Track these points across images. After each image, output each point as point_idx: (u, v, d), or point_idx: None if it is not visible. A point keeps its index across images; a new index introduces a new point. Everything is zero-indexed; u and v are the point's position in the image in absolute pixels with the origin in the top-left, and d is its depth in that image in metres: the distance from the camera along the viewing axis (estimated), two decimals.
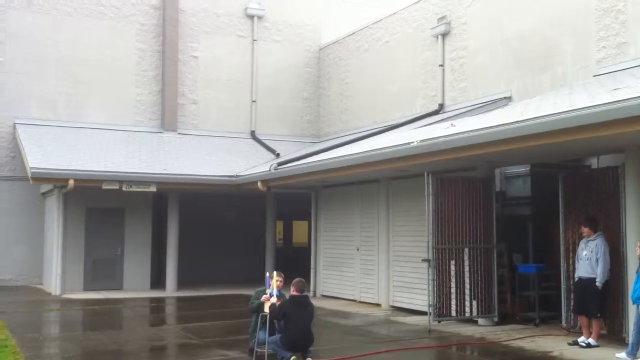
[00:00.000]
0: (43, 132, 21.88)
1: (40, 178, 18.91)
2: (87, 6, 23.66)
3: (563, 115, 9.81)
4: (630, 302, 10.41)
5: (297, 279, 10.24)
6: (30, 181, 19.32)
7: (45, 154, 19.68)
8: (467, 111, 17.09)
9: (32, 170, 18.41)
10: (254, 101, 25.67)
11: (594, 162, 13.29)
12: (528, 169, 14.41)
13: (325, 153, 17.95)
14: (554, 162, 13.35)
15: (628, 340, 10.43)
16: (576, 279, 11.68)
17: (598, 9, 14.63)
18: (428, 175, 13.20)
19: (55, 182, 19.37)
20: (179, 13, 24.65)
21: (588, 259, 11.31)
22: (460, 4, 18.83)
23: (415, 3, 20.81)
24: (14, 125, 22.32)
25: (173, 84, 24.39)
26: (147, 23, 24.46)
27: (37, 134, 21.55)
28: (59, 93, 23.14)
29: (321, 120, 26.34)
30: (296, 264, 20.72)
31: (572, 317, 12.26)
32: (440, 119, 17.55)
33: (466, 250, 13.45)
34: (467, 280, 13.41)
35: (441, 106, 19.27)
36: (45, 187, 21.59)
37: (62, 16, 23.37)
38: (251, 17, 25.89)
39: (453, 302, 13.38)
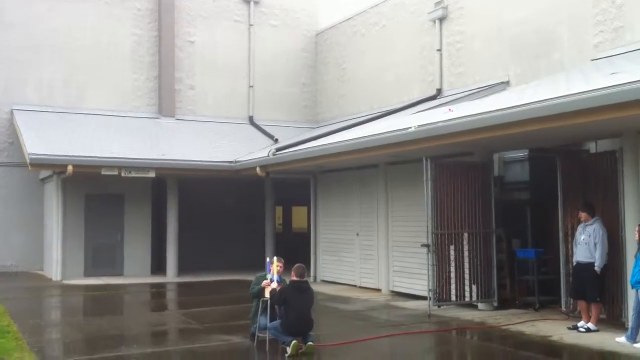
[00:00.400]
0: (41, 118, 21.87)
1: (39, 164, 18.95)
2: None
3: (561, 100, 9.83)
4: (629, 286, 10.48)
5: (297, 265, 10.30)
6: (29, 167, 19.36)
7: (43, 140, 19.68)
8: (465, 96, 17.10)
9: (31, 157, 18.43)
10: (252, 86, 25.65)
11: (592, 147, 13.33)
12: (526, 153, 14.46)
13: (324, 138, 17.97)
14: (552, 146, 13.37)
15: (627, 325, 10.52)
16: (574, 264, 11.75)
17: None
18: (426, 160, 13.23)
19: (54, 168, 19.40)
20: None
21: (586, 244, 11.36)
22: None
23: None
24: (12, 112, 22.30)
25: (170, 69, 24.34)
26: (143, 8, 24.38)
27: (34, 120, 21.54)
28: (56, 79, 23.10)
29: (319, 105, 26.33)
30: (296, 249, 20.79)
31: (571, 302, 12.32)
32: (437, 104, 17.57)
33: (465, 235, 13.50)
34: (466, 265, 13.47)
35: (439, 91, 19.28)
36: (44, 173, 21.62)
37: (57, 2, 23.27)
38: (247, 1, 25.84)
39: (452, 287, 13.45)
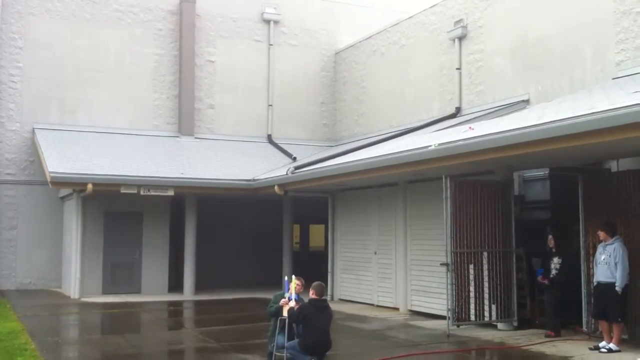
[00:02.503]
0: (62, 136, 22.05)
1: (59, 182, 19.06)
2: (105, 12, 23.85)
3: (582, 119, 9.76)
4: None
5: (316, 283, 10.21)
6: (50, 185, 19.49)
7: (64, 159, 19.83)
8: (485, 115, 17.05)
9: (51, 175, 18.56)
10: (271, 105, 25.74)
11: (613, 165, 13.19)
12: (547, 172, 14.33)
13: (342, 157, 17.95)
14: (573, 165, 13.26)
15: None
16: (594, 284, 11.58)
17: (616, 12, 14.55)
18: (446, 178, 13.15)
19: (74, 186, 19.48)
20: (195, 18, 24.78)
21: (607, 263, 11.19)
22: (477, 7, 18.79)
23: (432, 7, 20.80)
24: (33, 130, 22.50)
25: (190, 88, 24.50)
26: (164, 28, 24.61)
27: (55, 138, 21.72)
28: (78, 98, 23.32)
29: (338, 124, 26.35)
30: (313, 267, 20.72)
31: (592, 322, 12.15)
32: (457, 122, 17.50)
33: (485, 254, 13.37)
34: (486, 284, 13.33)
35: (458, 110, 19.23)
36: (64, 191, 21.74)
37: (80, 22, 23.56)
38: (267, 21, 25.99)
39: (472, 306, 13.30)
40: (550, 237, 12.88)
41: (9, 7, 22.86)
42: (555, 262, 12.72)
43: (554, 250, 12.83)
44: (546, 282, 12.78)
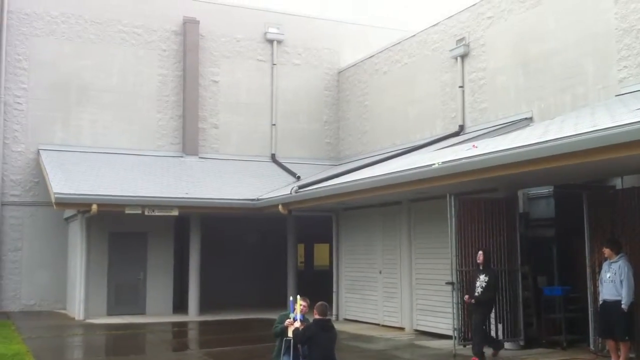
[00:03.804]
0: (66, 157, 22.09)
1: (64, 203, 19.07)
2: (109, 33, 24.00)
3: (586, 136, 9.75)
4: None
5: (319, 303, 10.13)
6: (54, 206, 19.48)
7: (68, 180, 19.86)
8: (488, 132, 17.06)
9: (56, 196, 18.57)
10: (274, 124, 25.81)
11: (618, 183, 13.16)
12: (551, 190, 14.30)
13: (346, 176, 17.96)
14: (578, 182, 13.24)
15: None
16: (600, 302, 11.50)
17: (619, 29, 14.59)
18: (450, 197, 13.13)
19: (79, 207, 19.49)
20: (199, 38, 24.91)
21: (612, 281, 11.11)
22: (479, 25, 18.85)
23: (434, 25, 20.89)
24: (38, 151, 22.56)
25: (194, 108, 24.58)
26: (168, 49, 24.74)
27: (60, 159, 21.77)
28: (82, 119, 23.41)
29: (341, 142, 26.38)
30: (318, 287, 20.62)
31: (599, 341, 12.07)
32: (460, 140, 17.51)
33: None
34: None
35: (461, 127, 19.24)
36: (68, 212, 21.73)
37: (84, 43, 23.69)
38: (271, 41, 26.11)
39: None
40: (480, 253, 12.64)
41: (13, 28, 23.02)
42: (482, 279, 12.37)
43: (481, 267, 12.54)
44: (472, 301, 12.46)
